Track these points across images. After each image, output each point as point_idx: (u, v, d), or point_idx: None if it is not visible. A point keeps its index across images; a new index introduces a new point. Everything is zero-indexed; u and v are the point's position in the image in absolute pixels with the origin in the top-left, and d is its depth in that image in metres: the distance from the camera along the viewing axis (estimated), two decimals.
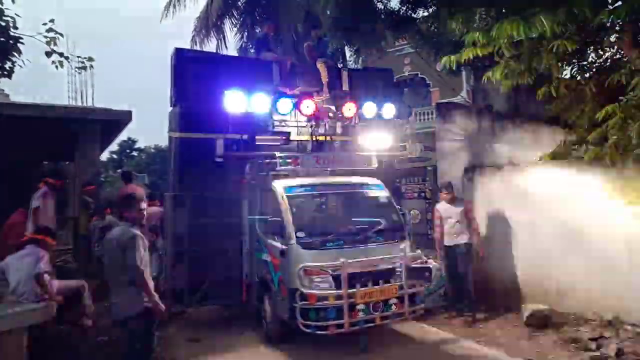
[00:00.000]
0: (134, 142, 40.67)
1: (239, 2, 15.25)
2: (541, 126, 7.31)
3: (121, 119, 8.44)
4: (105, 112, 8.09)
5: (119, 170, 33.64)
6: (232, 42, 15.58)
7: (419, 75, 20.37)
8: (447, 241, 6.33)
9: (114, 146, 37.96)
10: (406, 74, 20.42)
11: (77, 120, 8.03)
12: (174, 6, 15.29)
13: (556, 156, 6.57)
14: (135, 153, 41.11)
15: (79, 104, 9.64)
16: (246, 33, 15.26)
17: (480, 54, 5.15)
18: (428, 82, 20.26)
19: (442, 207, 6.48)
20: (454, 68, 5.43)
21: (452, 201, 6.41)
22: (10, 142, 9.05)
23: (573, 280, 5.82)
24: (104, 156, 35.27)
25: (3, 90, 14.36)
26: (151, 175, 32.36)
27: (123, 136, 38.38)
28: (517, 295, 6.35)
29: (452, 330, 5.79)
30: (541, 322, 5.63)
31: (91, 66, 5.86)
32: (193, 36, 15.56)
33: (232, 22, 15.58)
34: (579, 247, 5.76)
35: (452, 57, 5.40)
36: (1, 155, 9.46)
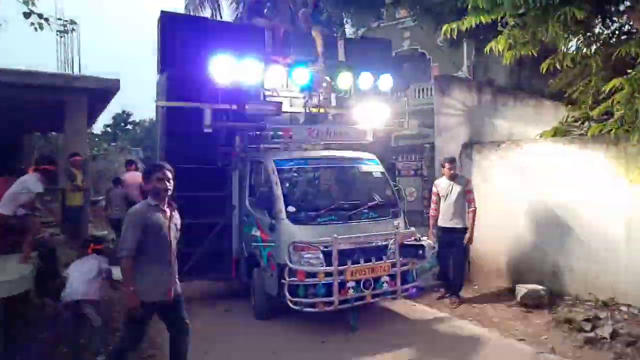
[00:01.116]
0: (128, 115, 40.00)
1: None
2: (543, 102, 7.07)
3: (109, 88, 8.12)
4: (92, 80, 7.76)
5: (113, 144, 33.30)
6: (227, 13, 15.09)
7: (419, 50, 19.89)
8: (443, 221, 5.90)
9: (108, 119, 37.44)
10: (406, 48, 19.94)
11: (63, 89, 7.71)
12: None
13: (557, 133, 6.36)
14: (130, 126, 40.54)
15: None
16: (242, 3, 14.74)
17: (484, 21, 4.86)
18: (428, 57, 19.81)
19: (442, 183, 6.01)
20: (455, 37, 5.13)
21: (453, 178, 5.94)
22: None
23: (569, 261, 5.70)
24: (98, 129, 34.79)
25: None
26: (146, 150, 32.00)
27: (117, 109, 37.80)
28: (511, 274, 6.24)
29: (445, 309, 5.69)
30: (535, 302, 5.53)
31: (73, 29, 5.52)
32: (187, 4, 15.04)
33: None
34: (577, 227, 5.62)
35: (454, 25, 5.10)
36: None
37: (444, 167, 6.01)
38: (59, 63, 10.18)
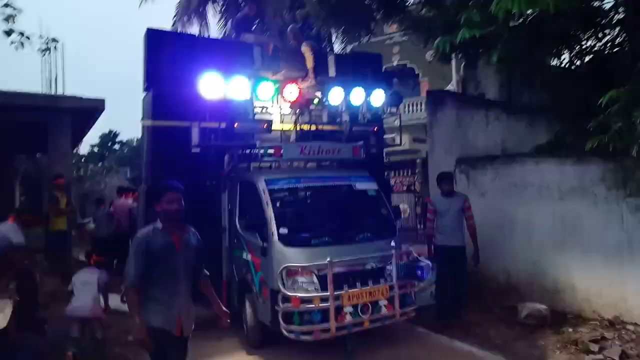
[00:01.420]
0: (115, 135, 39.67)
1: None
2: (536, 115, 7.00)
3: (94, 108, 7.89)
4: (75, 100, 7.54)
5: (99, 164, 32.82)
6: (215, 29, 15.03)
7: (408, 65, 20.00)
8: (441, 240, 5.61)
9: (95, 139, 37.00)
10: (395, 63, 20.03)
11: (45, 109, 7.47)
12: None
13: (552, 146, 6.27)
14: (117, 146, 40.13)
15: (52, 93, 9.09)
16: (230, 20, 14.70)
17: (478, 35, 4.77)
18: (417, 72, 19.91)
19: (438, 200, 5.74)
20: (447, 51, 5.04)
21: (450, 195, 5.68)
22: None
23: (571, 278, 5.55)
24: (85, 149, 34.33)
25: None
26: (134, 170, 31.56)
27: (104, 129, 37.42)
28: (512, 293, 6.05)
29: (444, 331, 5.46)
30: (538, 321, 5.34)
31: (55, 47, 5.33)
32: (174, 22, 14.97)
33: (215, 9, 15.01)
34: (577, 242, 5.49)
35: (447, 39, 5.01)
36: None
37: (440, 183, 5.74)
38: (44, 82, 9.97)
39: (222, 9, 14.84)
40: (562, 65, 6.00)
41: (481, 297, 6.22)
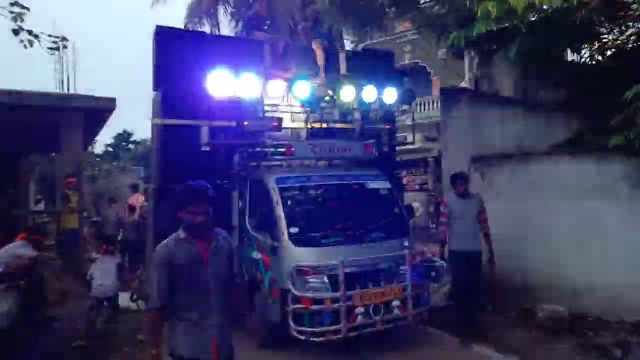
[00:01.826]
0: (130, 134, 40.08)
1: None
2: (554, 113, 6.81)
3: (105, 107, 7.91)
4: (86, 99, 7.56)
5: (114, 163, 33.20)
6: (226, 29, 15.00)
7: (420, 63, 19.79)
8: (455, 245, 5.14)
9: (109, 139, 37.43)
10: (407, 62, 19.83)
11: (57, 109, 7.50)
12: None
13: (571, 144, 6.08)
14: (131, 146, 40.54)
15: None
16: (241, 21, 14.67)
17: (495, 28, 4.61)
18: (429, 70, 19.69)
19: (453, 201, 5.30)
20: (462, 46, 4.89)
21: (466, 195, 5.26)
22: None
23: (591, 279, 5.36)
24: (100, 149, 34.76)
25: None
26: (148, 169, 31.82)
27: (119, 128, 37.81)
28: (529, 295, 5.87)
29: (460, 334, 5.31)
30: (557, 325, 5.17)
31: (64, 46, 5.32)
32: (185, 23, 14.97)
33: (226, 9, 14.99)
34: (597, 243, 5.30)
35: (461, 33, 4.87)
36: None
37: (454, 183, 5.33)
38: (57, 82, 10.05)
39: (233, 10, 14.81)
40: (582, 60, 5.81)
41: (497, 299, 6.06)
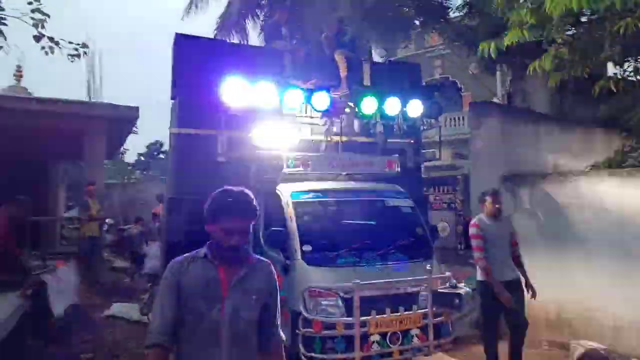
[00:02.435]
0: (161, 144, 41.03)
1: (262, 1, 14.73)
2: (594, 130, 6.36)
3: (127, 116, 7.93)
4: (109, 107, 7.60)
5: (144, 172, 33.96)
6: (255, 40, 15.07)
7: (450, 79, 19.39)
8: (494, 274, 4.51)
9: (142, 148, 38.45)
10: (437, 77, 19.48)
11: (80, 116, 7.56)
12: (196, 6, 14.95)
13: (612, 164, 5.62)
14: (162, 156, 41.48)
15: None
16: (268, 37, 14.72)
17: (528, 38, 4.28)
18: (460, 85, 19.26)
19: (485, 223, 4.64)
20: (492, 56, 4.57)
21: (498, 216, 4.67)
22: (18, 139, 8.71)
23: (635, 314, 4.84)
24: (132, 158, 35.72)
25: (26, 88, 14.33)
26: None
27: (150, 139, 38.81)
28: (564, 328, 5.38)
29: None
30: None
31: (85, 53, 5.30)
32: (215, 35, 15.15)
33: (255, 21, 15.08)
34: None
35: (492, 43, 4.55)
36: (9, 153, 9.11)
37: (485, 201, 4.70)
38: (86, 92, 10.25)
39: (262, 22, 14.88)
40: (625, 73, 5.37)
41: (528, 331, 5.58)
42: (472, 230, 4.67)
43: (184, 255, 2.00)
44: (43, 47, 5.05)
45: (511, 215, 5.10)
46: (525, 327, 4.51)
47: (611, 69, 6.49)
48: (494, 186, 6.16)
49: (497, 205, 4.63)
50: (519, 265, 4.69)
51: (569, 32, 4.83)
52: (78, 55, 5.25)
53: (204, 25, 15.70)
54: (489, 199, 4.67)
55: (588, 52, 4.57)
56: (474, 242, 4.62)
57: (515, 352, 4.53)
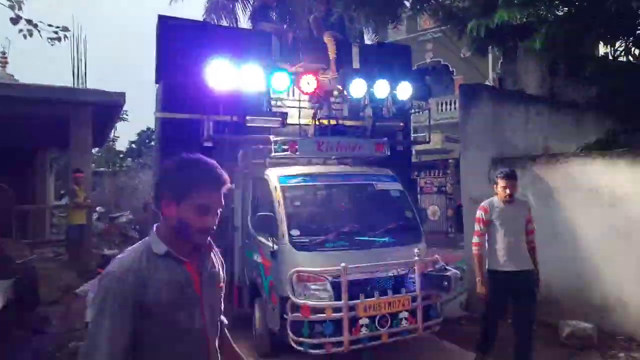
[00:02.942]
0: (152, 132, 40.57)
1: None
2: (584, 111, 6.31)
3: (113, 102, 7.78)
4: (94, 93, 7.44)
5: (136, 160, 33.62)
6: (244, 25, 14.84)
7: (442, 62, 19.26)
8: (502, 263, 4.09)
9: (133, 136, 38.03)
10: (428, 60, 19.34)
11: (65, 102, 7.40)
12: None
13: (602, 146, 5.59)
14: (153, 143, 41.07)
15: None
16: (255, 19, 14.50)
17: (518, 17, 4.19)
18: (451, 69, 19.15)
19: (495, 206, 4.16)
20: (483, 36, 4.49)
21: (512, 201, 4.15)
22: (3, 127, 8.54)
23: (622, 293, 4.88)
24: (123, 146, 35.33)
25: (12, 75, 14.02)
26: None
27: (142, 125, 38.35)
28: (552, 309, 5.40)
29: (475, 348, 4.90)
30: (582, 342, 4.72)
31: (65, 37, 5.14)
32: (204, 19, 14.89)
33: (244, 5, 14.84)
34: (632, 254, 4.81)
35: (482, 22, 4.46)
36: None
37: (496, 184, 4.18)
38: (73, 78, 10.05)
39: (251, 5, 14.63)
40: (616, 54, 5.32)
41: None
42: (477, 213, 4.24)
43: (125, 255, 1.48)
44: (21, 30, 4.88)
45: (526, 200, 4.66)
46: (529, 325, 4.05)
47: (602, 50, 6.45)
48: (484, 168, 6.15)
49: (507, 191, 4.08)
50: (534, 256, 4.25)
51: (560, 12, 4.74)
52: (59, 39, 5.08)
53: (192, 12, 15.45)
54: (500, 182, 4.12)
55: (579, 32, 4.50)
56: (475, 226, 4.26)
57: (520, 352, 4.06)
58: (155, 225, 1.54)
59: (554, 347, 4.82)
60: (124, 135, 37.55)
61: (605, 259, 5.01)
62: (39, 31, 4.96)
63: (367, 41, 12.60)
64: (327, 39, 5.98)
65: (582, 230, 5.24)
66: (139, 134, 39.80)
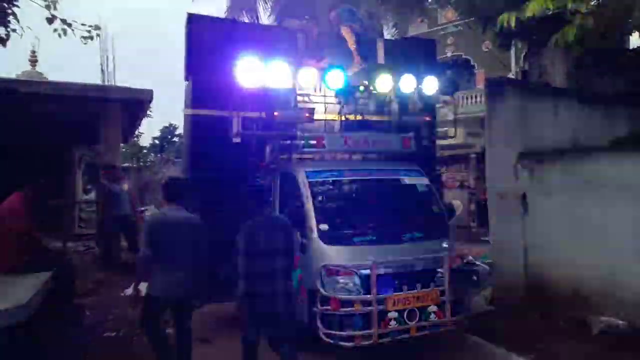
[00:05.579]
0: (175, 128, 41.16)
1: None
2: (615, 105, 6.19)
3: (141, 99, 7.95)
4: (123, 91, 7.62)
5: (159, 155, 34.20)
6: (265, 23, 14.92)
7: (463, 56, 19.01)
8: None
9: (155, 132, 38.66)
10: (449, 55, 19.11)
11: (95, 100, 7.60)
12: None
13: (634, 139, 5.49)
14: (176, 139, 41.64)
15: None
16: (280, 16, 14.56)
17: (552, 8, 4.13)
18: (473, 63, 18.88)
19: None
20: (513, 27, 4.42)
21: None
22: (34, 124, 8.81)
23: None
24: (146, 141, 35.97)
25: (41, 73, 14.40)
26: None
27: (165, 122, 38.95)
28: (582, 305, 5.34)
29: (503, 343, 4.89)
30: (615, 339, 4.65)
31: (98, 35, 5.29)
32: (226, 16, 15.01)
33: (265, 1, 14.90)
34: None
35: (513, 14, 4.41)
36: (25, 138, 9.23)
37: None
38: (100, 75, 10.30)
39: (272, 4, 14.69)
40: None
41: (547, 307, 5.57)
42: None
43: None
44: (55, 30, 5.04)
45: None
46: None
47: (633, 42, 6.29)
48: (509, 163, 6.08)
49: None
50: None
51: (593, 2, 4.64)
52: (91, 37, 5.23)
53: (213, 9, 15.62)
54: None
55: (615, 20, 4.39)
56: None
57: None
58: None
59: (583, 343, 4.76)
60: (147, 131, 38.20)
61: (638, 254, 4.91)
62: (72, 30, 5.10)
63: (387, 36, 12.56)
64: (344, 30, 5.98)
65: (613, 225, 5.15)
66: (161, 130, 40.42)
